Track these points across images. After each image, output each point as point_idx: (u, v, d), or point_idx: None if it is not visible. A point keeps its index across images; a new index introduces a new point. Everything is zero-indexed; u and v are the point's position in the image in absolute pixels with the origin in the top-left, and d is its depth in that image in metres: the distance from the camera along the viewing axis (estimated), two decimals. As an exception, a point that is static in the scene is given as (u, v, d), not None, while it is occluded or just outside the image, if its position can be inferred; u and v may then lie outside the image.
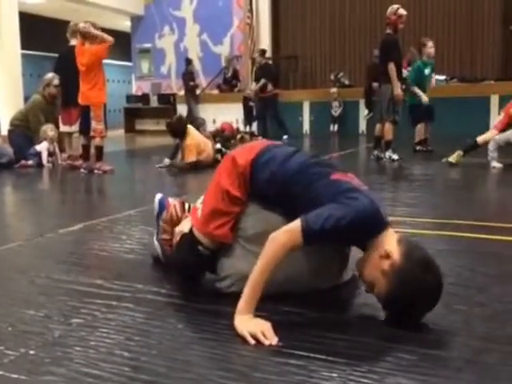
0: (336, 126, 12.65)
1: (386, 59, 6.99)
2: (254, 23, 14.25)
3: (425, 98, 7.75)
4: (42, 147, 7.46)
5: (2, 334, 2.00)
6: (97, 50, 6.48)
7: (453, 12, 12.99)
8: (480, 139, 6.47)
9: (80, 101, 6.63)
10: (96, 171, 6.65)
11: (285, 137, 10.51)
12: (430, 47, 8.06)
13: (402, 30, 7.43)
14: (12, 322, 2.10)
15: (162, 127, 15.00)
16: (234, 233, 2.26)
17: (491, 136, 6.35)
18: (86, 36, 6.52)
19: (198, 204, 2.38)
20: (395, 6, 7.09)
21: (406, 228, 3.43)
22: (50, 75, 7.70)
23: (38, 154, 7.43)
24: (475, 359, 1.75)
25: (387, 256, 1.92)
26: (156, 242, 2.78)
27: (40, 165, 7.38)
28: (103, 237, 3.46)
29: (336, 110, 12.62)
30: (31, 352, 1.85)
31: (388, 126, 7.11)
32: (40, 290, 2.47)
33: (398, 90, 6.90)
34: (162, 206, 2.77)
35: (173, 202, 2.76)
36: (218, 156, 6.80)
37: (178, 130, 6.84)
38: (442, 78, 12.17)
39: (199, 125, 9.72)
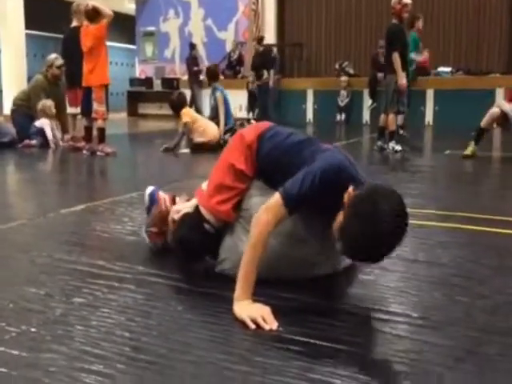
0: (343, 115, 12.58)
1: (390, 49, 6.95)
2: (260, 10, 14.17)
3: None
4: (43, 123, 7.43)
5: (3, 311, 2.00)
6: (97, 31, 6.43)
7: (460, 4, 12.92)
8: (483, 123, 6.47)
9: (83, 82, 6.60)
10: (98, 153, 6.64)
11: None
12: (420, 22, 8.20)
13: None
14: (13, 299, 2.11)
15: (165, 112, 15.04)
16: (237, 213, 2.26)
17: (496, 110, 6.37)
18: (90, 17, 6.48)
19: (204, 185, 2.40)
20: None
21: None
22: (52, 56, 7.67)
23: (40, 132, 7.40)
24: (476, 350, 1.75)
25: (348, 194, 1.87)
26: (144, 234, 2.77)
27: (43, 145, 7.36)
28: (105, 218, 3.46)
29: (343, 100, 12.54)
30: (32, 329, 1.85)
31: (392, 117, 7.09)
32: (41, 269, 2.47)
33: (402, 79, 6.85)
34: (153, 199, 2.75)
35: (163, 195, 2.73)
36: (227, 136, 6.83)
37: (175, 104, 6.95)
38: (448, 69, 12.12)
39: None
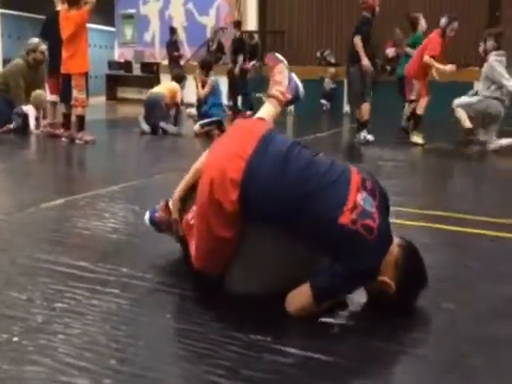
0: (329, 104, 12.55)
1: (353, 36, 7.05)
2: (241, -5, 14.01)
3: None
4: (30, 110, 7.28)
5: (-17, 318, 1.95)
6: (78, 17, 6.28)
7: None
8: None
9: (61, 69, 6.46)
10: (77, 141, 6.52)
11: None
12: (422, 20, 8.13)
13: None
14: (-7, 304, 2.06)
15: (144, 96, 14.85)
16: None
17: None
18: (70, 2, 6.32)
19: (190, 218, 2.22)
20: None
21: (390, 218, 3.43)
22: (35, 40, 7.43)
23: (23, 116, 7.25)
24: (462, 361, 1.76)
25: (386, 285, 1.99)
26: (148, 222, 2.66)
27: (23, 129, 7.22)
28: (86, 214, 3.39)
29: (328, 86, 12.49)
30: (14, 339, 1.81)
31: (365, 106, 7.13)
32: (22, 271, 2.41)
33: (365, 60, 6.91)
34: (154, 222, 2.62)
35: (159, 215, 2.59)
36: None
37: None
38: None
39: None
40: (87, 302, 2.11)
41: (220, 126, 7.43)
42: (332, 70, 12.60)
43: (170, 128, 7.66)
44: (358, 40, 6.93)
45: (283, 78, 2.46)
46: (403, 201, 3.88)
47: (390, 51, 11.84)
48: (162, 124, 7.64)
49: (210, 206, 1.98)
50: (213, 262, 2.10)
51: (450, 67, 7.03)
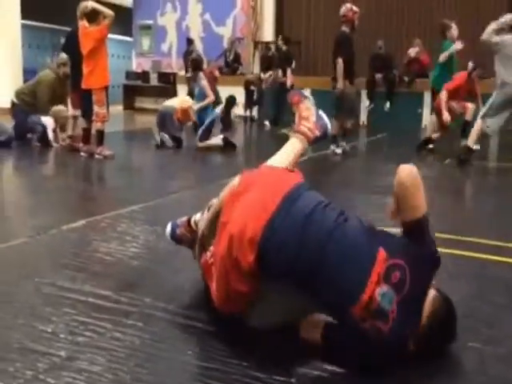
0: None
1: (334, 56, 7.25)
2: (258, 6, 14.05)
3: None
4: (47, 122, 7.35)
5: (10, 352, 1.97)
6: (97, 33, 6.34)
7: (461, 3, 12.81)
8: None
9: (82, 85, 6.51)
10: (96, 156, 6.57)
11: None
12: (454, 29, 8.11)
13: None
14: (19, 338, 2.07)
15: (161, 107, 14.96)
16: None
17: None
18: (89, 18, 6.38)
19: (209, 257, 2.19)
20: (349, 5, 7.37)
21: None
22: (65, 55, 7.50)
23: (42, 125, 7.35)
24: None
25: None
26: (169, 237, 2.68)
27: (42, 139, 7.30)
28: (107, 237, 3.41)
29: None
30: (40, 376, 1.82)
31: (334, 123, 7.20)
32: (46, 301, 2.42)
33: (340, 84, 7.19)
34: (175, 238, 2.65)
35: (180, 231, 2.62)
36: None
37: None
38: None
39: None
40: (110, 335, 2.12)
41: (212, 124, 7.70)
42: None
43: (168, 141, 7.69)
44: (340, 63, 7.15)
45: (311, 114, 2.45)
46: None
47: (413, 51, 11.72)
48: (162, 134, 7.72)
49: (228, 261, 1.96)
50: (232, 305, 2.08)
51: (445, 117, 7.33)
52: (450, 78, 7.72)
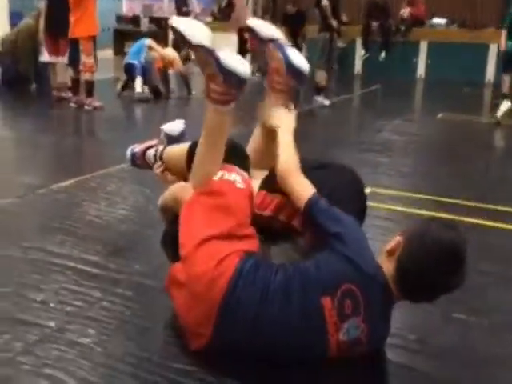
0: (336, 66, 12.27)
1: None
2: None
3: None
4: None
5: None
6: None
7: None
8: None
9: (69, 34, 6.30)
10: (86, 107, 6.45)
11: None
12: None
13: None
14: (8, 307, 2.08)
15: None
16: None
17: None
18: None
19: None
20: None
21: (396, 205, 3.38)
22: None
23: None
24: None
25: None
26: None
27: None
28: (96, 197, 3.39)
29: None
30: (31, 349, 1.83)
31: (321, 73, 7.29)
32: (34, 268, 2.41)
33: (333, 22, 7.20)
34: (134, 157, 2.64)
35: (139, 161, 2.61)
36: None
37: None
38: (443, 21, 11.85)
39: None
40: (100, 305, 2.13)
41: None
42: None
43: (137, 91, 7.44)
44: (325, 3, 7.08)
45: (281, 64, 2.07)
46: (417, 185, 3.81)
47: (405, 12, 11.52)
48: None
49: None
50: None
51: None
52: None
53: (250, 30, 2.15)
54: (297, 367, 1.73)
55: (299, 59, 2.09)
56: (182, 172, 2.20)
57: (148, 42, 7.86)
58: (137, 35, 15.01)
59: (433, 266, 1.64)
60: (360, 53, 12.04)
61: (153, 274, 2.37)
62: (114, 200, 3.33)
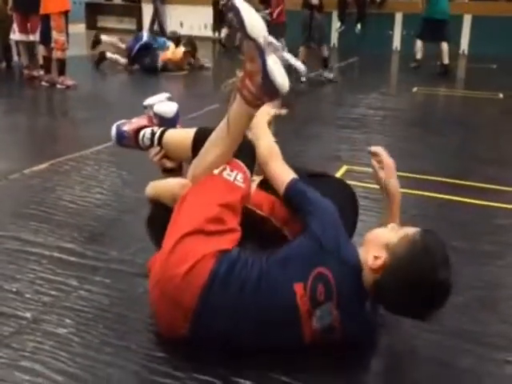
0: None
1: None
2: None
3: None
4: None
5: (-27, 316, 1.96)
6: None
7: None
8: None
9: (40, 9, 6.15)
10: (58, 86, 6.34)
11: None
12: None
13: None
14: (-17, 300, 2.06)
15: (126, 26, 14.36)
16: None
17: None
18: None
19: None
20: None
21: (373, 183, 3.39)
22: None
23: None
24: (450, 361, 1.80)
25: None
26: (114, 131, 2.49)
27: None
28: (71, 181, 3.35)
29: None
30: (6, 341, 1.82)
31: (302, 50, 7.53)
32: (9, 257, 2.39)
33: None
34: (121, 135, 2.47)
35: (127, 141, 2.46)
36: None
37: None
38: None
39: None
40: (77, 294, 2.12)
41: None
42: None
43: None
44: None
45: (257, 70, 1.75)
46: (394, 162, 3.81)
47: None
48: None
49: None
50: None
51: None
52: None
53: (233, 10, 1.74)
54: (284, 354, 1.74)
55: (280, 76, 1.75)
56: (180, 159, 2.25)
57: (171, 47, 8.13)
58: (109, 8, 14.77)
59: (414, 299, 1.62)
60: (336, 25, 11.96)
61: (131, 261, 2.37)
62: (90, 184, 3.30)
